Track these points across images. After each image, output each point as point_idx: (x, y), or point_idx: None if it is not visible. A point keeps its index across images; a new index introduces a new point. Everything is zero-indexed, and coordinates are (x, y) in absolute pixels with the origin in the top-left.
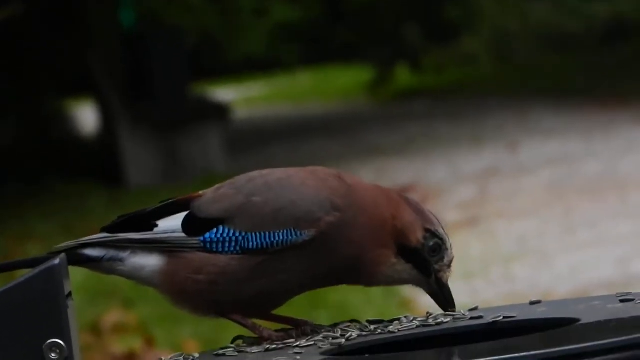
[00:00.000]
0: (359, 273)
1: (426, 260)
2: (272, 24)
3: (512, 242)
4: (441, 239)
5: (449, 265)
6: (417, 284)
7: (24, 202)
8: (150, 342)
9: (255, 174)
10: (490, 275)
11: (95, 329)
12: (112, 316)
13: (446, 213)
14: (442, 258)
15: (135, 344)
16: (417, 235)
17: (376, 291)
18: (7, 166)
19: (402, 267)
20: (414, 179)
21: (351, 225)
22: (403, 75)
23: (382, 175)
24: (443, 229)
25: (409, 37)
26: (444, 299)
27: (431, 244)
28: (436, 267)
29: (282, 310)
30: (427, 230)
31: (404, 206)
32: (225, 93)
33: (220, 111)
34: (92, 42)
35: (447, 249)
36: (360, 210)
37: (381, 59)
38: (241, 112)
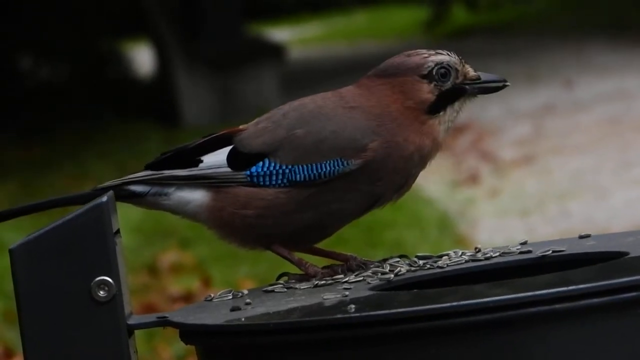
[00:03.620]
0: (419, 157)
1: (451, 89)
2: None
3: (567, 178)
4: (438, 64)
5: (463, 66)
6: (467, 101)
7: (80, 143)
8: (207, 282)
9: (287, 107)
10: (547, 212)
11: (152, 270)
12: (169, 256)
13: (502, 151)
14: (456, 70)
15: (192, 284)
16: (423, 91)
17: (431, 228)
18: (62, 106)
19: (446, 116)
20: (470, 117)
21: (392, 139)
22: (459, 13)
23: None
24: (433, 51)
25: None
26: (488, 86)
27: (439, 76)
28: (458, 81)
29: (337, 248)
30: (425, 76)
31: (393, 81)
32: (280, 33)
33: (276, 51)
34: None
35: (449, 63)
36: (389, 121)
37: None
38: (296, 52)
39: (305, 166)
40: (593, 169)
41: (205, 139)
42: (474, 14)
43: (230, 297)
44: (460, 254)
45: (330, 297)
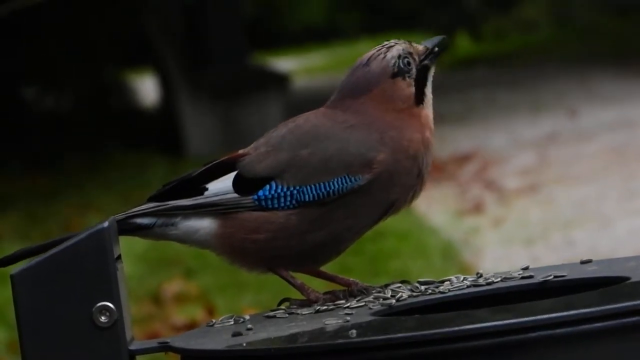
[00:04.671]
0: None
1: (419, 72)
2: None
3: (572, 207)
4: (399, 57)
5: (412, 45)
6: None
7: (84, 173)
8: (211, 311)
9: (281, 129)
10: (551, 241)
11: (156, 299)
12: (173, 286)
13: (506, 180)
14: (411, 53)
15: (197, 313)
16: (404, 88)
17: (435, 257)
18: (66, 136)
19: (428, 97)
20: (475, 146)
21: (398, 145)
22: (463, 43)
23: (442, 143)
24: (381, 47)
25: (469, 5)
26: (439, 50)
27: (406, 67)
28: (417, 61)
29: (340, 274)
30: (395, 74)
31: (371, 95)
32: (285, 63)
33: (280, 80)
34: (150, 10)
35: (405, 50)
36: (390, 128)
37: (441, 26)
38: (301, 82)
39: (312, 186)
40: (597, 198)
41: (207, 166)
42: (478, 44)
43: (232, 322)
44: (462, 279)
45: (331, 322)
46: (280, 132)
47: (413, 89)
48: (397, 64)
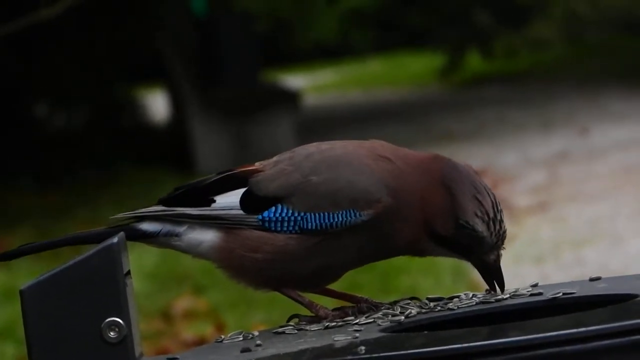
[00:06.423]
0: (408, 250)
1: (461, 247)
2: (343, 10)
3: (583, 226)
4: (474, 230)
5: (493, 249)
6: (463, 260)
7: (95, 189)
8: (221, 327)
9: (313, 149)
10: (562, 260)
11: (166, 315)
12: (183, 302)
13: (517, 198)
14: (482, 246)
15: (206, 329)
16: (446, 226)
17: (446, 274)
18: (78, 152)
19: (438, 249)
20: (485, 164)
21: (400, 209)
22: (474, 61)
23: None
24: (484, 216)
25: (480, 22)
26: (490, 280)
27: (464, 234)
28: (478, 251)
29: (351, 292)
30: (457, 221)
31: (439, 191)
32: (295, 80)
33: (291, 98)
34: (162, 27)
35: (483, 237)
36: (407, 195)
37: (452, 44)
38: (312, 99)
39: (317, 215)
40: (608, 217)
41: (220, 176)
42: (489, 62)
43: (241, 338)
44: (471, 296)
45: (340, 338)
46: (308, 150)
47: (444, 233)
48: (466, 223)
